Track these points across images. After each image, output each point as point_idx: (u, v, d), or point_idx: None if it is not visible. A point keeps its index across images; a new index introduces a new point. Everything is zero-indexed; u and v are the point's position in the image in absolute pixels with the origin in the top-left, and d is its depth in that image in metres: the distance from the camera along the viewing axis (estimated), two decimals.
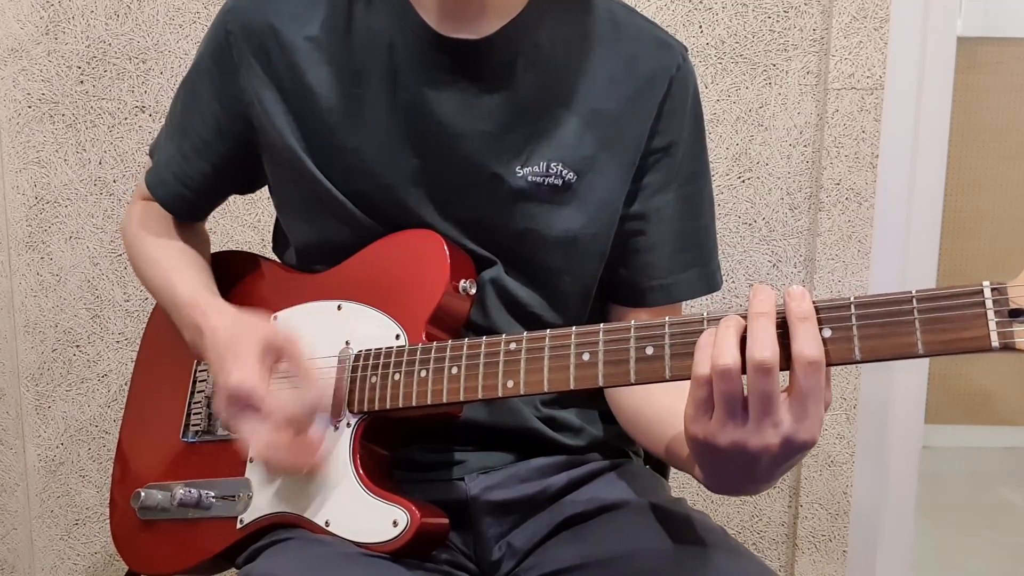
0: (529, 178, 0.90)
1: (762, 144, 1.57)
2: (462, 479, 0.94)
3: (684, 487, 1.67)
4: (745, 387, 0.66)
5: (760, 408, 0.65)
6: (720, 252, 1.65)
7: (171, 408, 1.02)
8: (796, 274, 1.60)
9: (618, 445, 1.02)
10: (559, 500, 0.94)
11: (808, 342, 0.64)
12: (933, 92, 1.59)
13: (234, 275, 1.04)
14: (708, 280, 0.99)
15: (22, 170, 1.64)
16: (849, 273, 1.58)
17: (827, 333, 0.66)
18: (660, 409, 0.88)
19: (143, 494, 0.96)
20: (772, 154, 1.58)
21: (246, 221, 1.62)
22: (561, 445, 0.97)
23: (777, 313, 0.66)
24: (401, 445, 0.92)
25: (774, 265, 1.60)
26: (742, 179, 1.58)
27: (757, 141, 1.57)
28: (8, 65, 1.61)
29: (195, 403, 1.01)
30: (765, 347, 0.64)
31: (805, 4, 1.54)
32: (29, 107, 1.62)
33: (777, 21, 1.55)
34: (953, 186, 2.02)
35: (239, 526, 0.91)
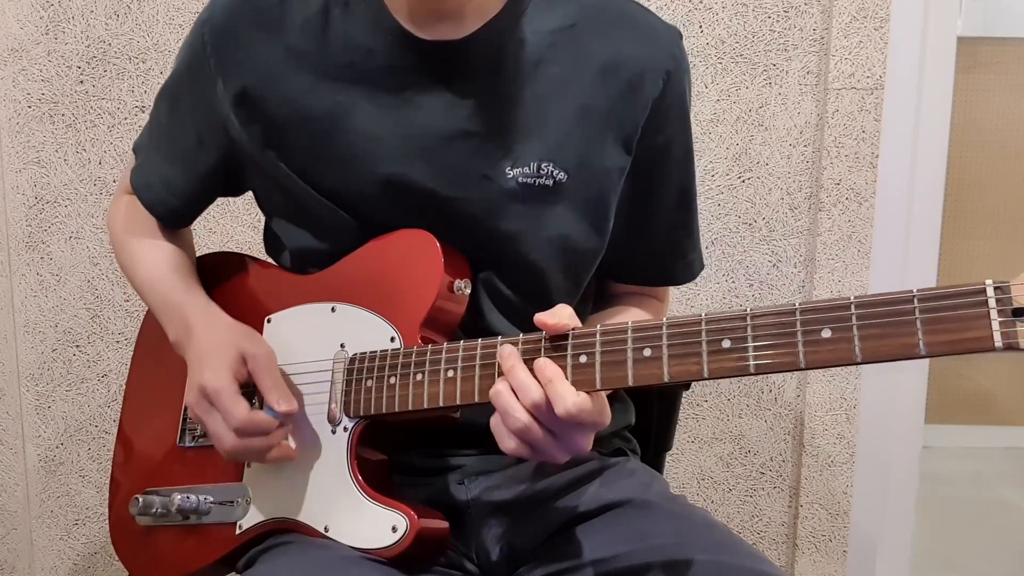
0: (519, 179, 0.88)
1: (762, 144, 1.57)
2: (462, 482, 0.94)
3: (684, 486, 1.67)
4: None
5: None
6: (720, 252, 1.65)
7: (167, 413, 1.01)
8: (796, 274, 1.60)
9: (616, 444, 1.02)
10: (559, 499, 0.93)
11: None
12: (933, 92, 1.59)
13: (228, 276, 1.03)
14: (697, 264, 1.03)
15: (22, 170, 1.64)
16: (849, 273, 1.58)
17: (827, 334, 0.65)
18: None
19: (141, 500, 0.95)
20: (772, 154, 1.58)
21: (246, 221, 1.62)
22: None
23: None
24: (399, 448, 0.91)
25: (774, 265, 1.60)
26: (742, 179, 1.58)
27: (757, 141, 1.57)
28: (8, 65, 1.61)
29: None
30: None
31: (805, 4, 1.54)
32: (29, 107, 1.62)
33: (777, 21, 1.55)
34: (953, 186, 2.01)
35: (238, 531, 0.91)
